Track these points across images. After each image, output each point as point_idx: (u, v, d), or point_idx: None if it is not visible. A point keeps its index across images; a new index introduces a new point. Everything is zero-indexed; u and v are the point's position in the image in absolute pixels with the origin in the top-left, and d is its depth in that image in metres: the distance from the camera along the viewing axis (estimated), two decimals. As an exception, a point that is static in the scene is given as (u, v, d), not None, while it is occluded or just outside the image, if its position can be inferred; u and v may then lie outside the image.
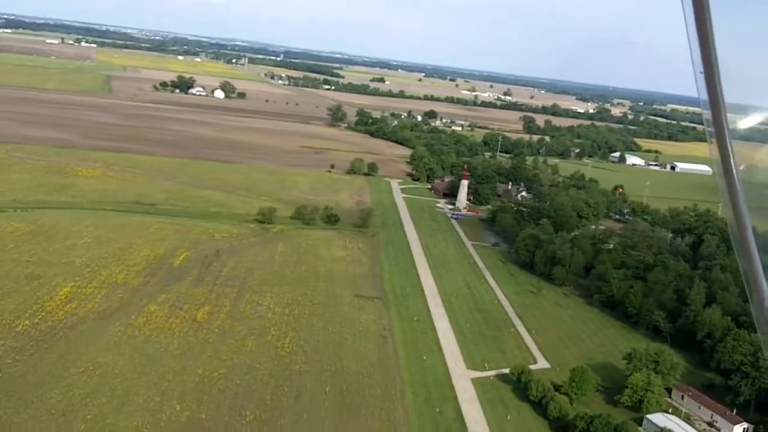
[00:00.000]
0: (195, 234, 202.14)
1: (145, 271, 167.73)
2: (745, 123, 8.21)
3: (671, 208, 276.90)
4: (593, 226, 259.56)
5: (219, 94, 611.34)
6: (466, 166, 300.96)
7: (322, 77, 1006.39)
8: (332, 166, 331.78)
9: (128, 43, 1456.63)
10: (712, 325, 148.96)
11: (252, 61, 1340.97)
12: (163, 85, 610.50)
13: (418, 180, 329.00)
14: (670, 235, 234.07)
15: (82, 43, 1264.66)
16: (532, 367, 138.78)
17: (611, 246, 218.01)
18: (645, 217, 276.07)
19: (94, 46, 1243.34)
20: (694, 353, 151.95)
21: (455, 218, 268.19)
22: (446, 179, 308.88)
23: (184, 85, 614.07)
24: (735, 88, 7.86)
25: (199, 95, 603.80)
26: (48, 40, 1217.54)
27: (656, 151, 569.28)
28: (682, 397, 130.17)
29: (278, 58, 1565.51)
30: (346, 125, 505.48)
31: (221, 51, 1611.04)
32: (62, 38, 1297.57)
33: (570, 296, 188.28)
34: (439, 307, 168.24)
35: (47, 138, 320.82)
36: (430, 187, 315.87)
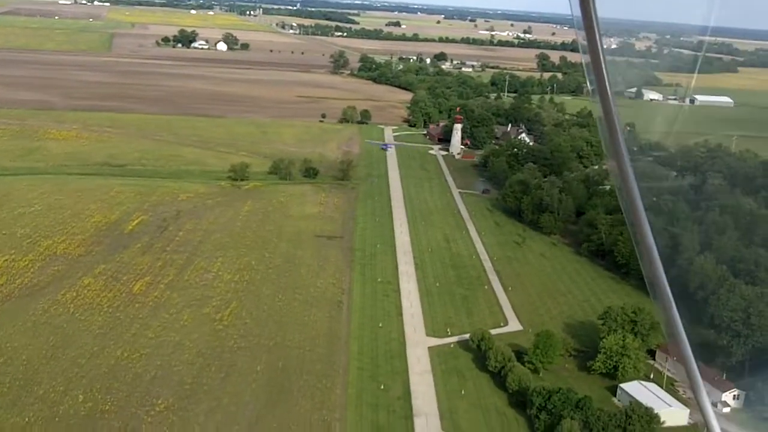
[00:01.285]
0: (158, 195, 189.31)
1: (91, 239, 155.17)
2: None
3: (679, 144, 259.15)
4: (596, 167, 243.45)
5: (221, 46, 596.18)
6: (458, 109, 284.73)
7: (334, 24, 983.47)
8: (323, 116, 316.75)
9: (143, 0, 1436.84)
10: (705, 275, 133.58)
11: (267, 11, 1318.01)
12: (165, 40, 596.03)
13: (414, 126, 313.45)
14: (674, 174, 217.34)
15: (95, 2, 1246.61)
16: (501, 329, 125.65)
17: (608, 188, 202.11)
18: (650, 155, 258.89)
19: (107, 4, 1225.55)
20: (687, 308, 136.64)
21: (384, 149, 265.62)
22: (442, 124, 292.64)
23: (186, 39, 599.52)
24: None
25: (202, 49, 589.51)
26: (60, 1, 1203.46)
27: (677, 84, 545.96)
28: (666, 360, 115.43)
29: (294, 8, 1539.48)
30: (349, 72, 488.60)
31: (236, 3, 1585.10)
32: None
33: (558, 246, 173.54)
34: (409, 265, 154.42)
35: (28, 100, 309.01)
36: (425, 132, 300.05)
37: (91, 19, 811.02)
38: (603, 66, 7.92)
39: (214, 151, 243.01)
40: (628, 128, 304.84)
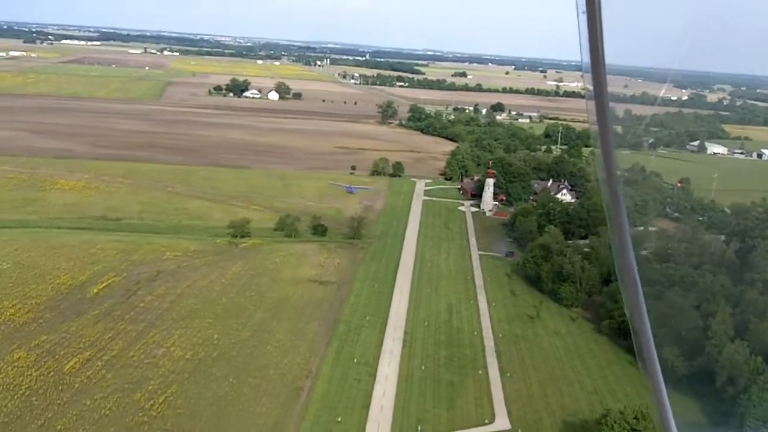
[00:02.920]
0: (142, 253, 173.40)
1: (46, 304, 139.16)
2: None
3: (735, 204, 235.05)
4: (641, 229, 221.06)
5: (273, 95, 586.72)
6: (490, 162, 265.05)
7: (396, 75, 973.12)
8: (353, 168, 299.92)
9: (215, 50, 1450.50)
10: (734, 368, 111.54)
11: (334, 62, 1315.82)
12: (218, 89, 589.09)
13: (450, 179, 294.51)
14: (722, 238, 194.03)
15: (165, 53, 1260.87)
16: (484, 429, 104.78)
17: (643, 253, 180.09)
18: (703, 216, 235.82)
19: (176, 54, 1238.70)
20: (716, 404, 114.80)
21: (350, 192, 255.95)
22: (476, 178, 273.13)
23: (237, 88, 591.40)
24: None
25: (253, 98, 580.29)
26: (131, 51, 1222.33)
27: (745, 138, 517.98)
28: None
29: (363, 58, 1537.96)
30: (398, 123, 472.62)
31: (307, 54, 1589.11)
32: (145, 48, 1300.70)
33: (577, 321, 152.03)
34: (397, 342, 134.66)
35: (52, 148, 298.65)
36: (459, 187, 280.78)
37: (147, 68, 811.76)
38: (606, 110, 8.21)
39: (225, 205, 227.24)
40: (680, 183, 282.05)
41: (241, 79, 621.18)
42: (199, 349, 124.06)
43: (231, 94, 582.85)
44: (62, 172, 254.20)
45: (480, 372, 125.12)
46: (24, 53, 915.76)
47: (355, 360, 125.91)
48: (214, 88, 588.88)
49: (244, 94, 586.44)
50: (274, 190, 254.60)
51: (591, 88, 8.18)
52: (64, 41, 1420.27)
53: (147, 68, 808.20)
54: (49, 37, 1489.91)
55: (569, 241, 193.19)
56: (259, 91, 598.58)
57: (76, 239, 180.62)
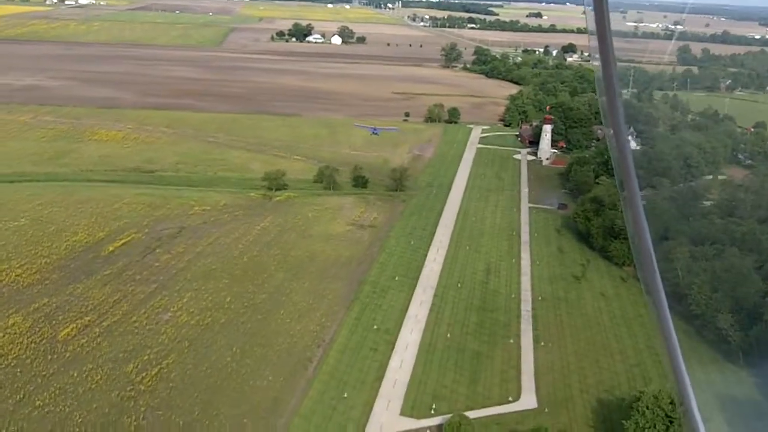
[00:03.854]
0: (169, 208, 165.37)
1: (56, 263, 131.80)
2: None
3: None
4: (707, 178, 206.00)
5: (336, 40, 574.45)
6: (548, 107, 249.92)
7: (467, 16, 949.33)
8: (407, 114, 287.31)
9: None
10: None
11: (407, 4, 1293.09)
12: (280, 34, 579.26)
13: (509, 125, 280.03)
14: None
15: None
16: (507, 407, 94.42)
17: (708, 204, 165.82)
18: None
19: (246, 0, 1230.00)
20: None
21: (374, 133, 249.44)
22: (534, 124, 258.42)
23: (300, 33, 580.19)
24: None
25: (316, 42, 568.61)
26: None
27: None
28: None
29: (436, 0, 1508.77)
30: (462, 66, 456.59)
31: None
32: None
33: (627, 282, 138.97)
34: (424, 306, 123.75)
35: (99, 97, 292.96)
36: (517, 134, 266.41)
37: (211, 14, 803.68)
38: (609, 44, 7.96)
39: (266, 155, 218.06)
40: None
41: (304, 23, 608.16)
42: (207, 314, 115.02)
43: (294, 40, 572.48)
44: (105, 122, 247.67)
45: (511, 341, 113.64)
46: (93, 1, 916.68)
47: (375, 326, 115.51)
48: (277, 34, 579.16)
49: (307, 39, 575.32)
50: (320, 138, 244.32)
51: (594, 25, 7.80)
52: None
53: (211, 14, 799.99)
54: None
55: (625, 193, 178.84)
56: (323, 35, 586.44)
57: (104, 193, 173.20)
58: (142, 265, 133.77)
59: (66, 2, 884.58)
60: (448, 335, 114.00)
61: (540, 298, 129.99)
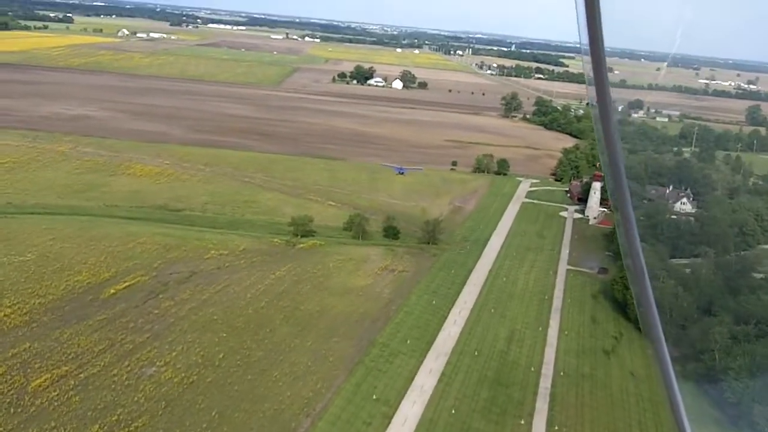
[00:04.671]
0: (185, 250, 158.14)
1: (51, 304, 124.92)
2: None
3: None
4: (765, 247, 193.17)
5: (397, 84, 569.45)
6: (597, 164, 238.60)
7: (535, 66, 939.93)
8: (454, 164, 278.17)
9: (357, 37, 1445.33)
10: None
11: (477, 52, 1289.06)
12: (342, 76, 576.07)
13: (560, 180, 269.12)
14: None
15: (306, 39, 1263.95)
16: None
17: (760, 278, 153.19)
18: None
19: (317, 41, 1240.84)
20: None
21: (400, 173, 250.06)
22: (585, 180, 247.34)
23: (362, 75, 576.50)
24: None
25: (377, 86, 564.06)
26: (273, 36, 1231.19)
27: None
28: None
29: (508, 49, 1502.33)
30: (521, 116, 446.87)
31: (451, 43, 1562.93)
32: (287, 34, 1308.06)
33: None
34: (433, 376, 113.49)
35: (146, 131, 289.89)
36: (567, 189, 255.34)
37: (275, 53, 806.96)
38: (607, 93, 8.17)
39: (300, 199, 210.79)
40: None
41: (367, 66, 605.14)
42: (194, 371, 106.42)
43: (355, 82, 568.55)
44: (144, 156, 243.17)
45: (522, 422, 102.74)
46: (165, 35, 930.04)
47: (375, 396, 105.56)
48: (339, 75, 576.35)
49: (368, 81, 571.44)
50: (360, 184, 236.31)
51: (591, 71, 7.95)
52: (210, 25, 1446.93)
53: (275, 53, 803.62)
54: (198, 20, 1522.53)
55: (675, 259, 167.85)
56: (384, 79, 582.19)
57: (121, 230, 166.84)
58: (140, 311, 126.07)
59: (138, 35, 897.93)
60: (453, 411, 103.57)
61: (562, 373, 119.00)
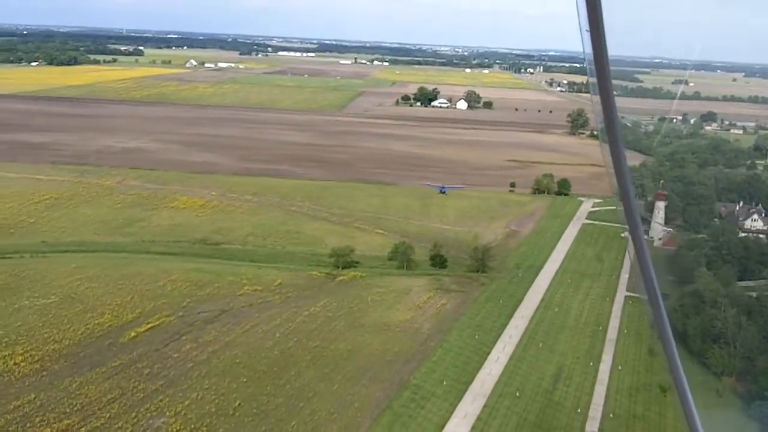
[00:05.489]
0: (217, 287, 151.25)
1: (68, 350, 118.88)
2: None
3: None
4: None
5: (461, 104, 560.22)
6: (661, 182, 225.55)
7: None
8: (512, 185, 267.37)
9: (427, 59, 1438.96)
10: None
11: (549, 69, 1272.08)
12: (405, 98, 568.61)
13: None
14: None
15: (374, 62, 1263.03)
16: None
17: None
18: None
19: (385, 64, 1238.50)
20: None
21: (442, 192, 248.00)
22: (650, 199, 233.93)
23: (425, 97, 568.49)
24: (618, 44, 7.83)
25: (441, 107, 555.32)
26: (341, 61, 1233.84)
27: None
28: None
29: (580, 65, 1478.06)
30: (589, 133, 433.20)
31: (522, 62, 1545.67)
32: (355, 58, 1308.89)
33: (724, 397, 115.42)
34: (466, 421, 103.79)
35: (196, 162, 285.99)
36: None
37: (338, 77, 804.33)
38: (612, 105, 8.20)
39: (346, 227, 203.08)
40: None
41: (431, 87, 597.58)
42: (204, 422, 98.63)
43: (418, 104, 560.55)
44: (190, 188, 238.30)
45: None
46: (233, 64, 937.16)
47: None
48: (402, 98, 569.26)
49: (432, 103, 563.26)
50: (411, 210, 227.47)
51: (595, 80, 8.03)
52: (280, 53, 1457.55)
53: (338, 77, 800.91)
54: (268, 48, 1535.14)
55: (743, 282, 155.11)
56: (449, 100, 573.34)
57: (154, 267, 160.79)
58: (158, 355, 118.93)
59: (206, 65, 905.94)
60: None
61: (612, 414, 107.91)
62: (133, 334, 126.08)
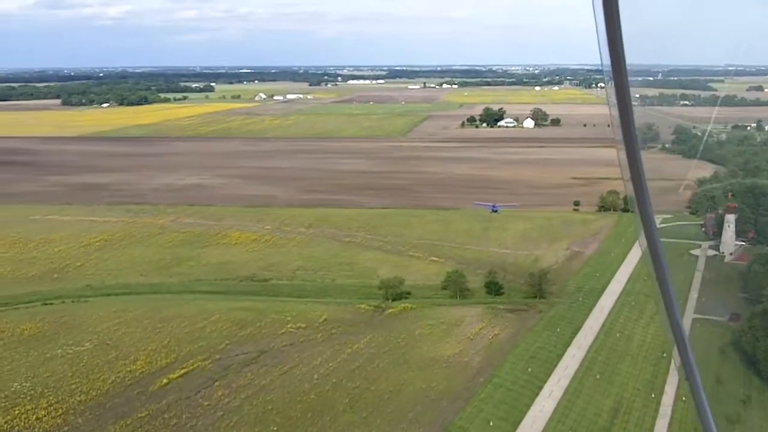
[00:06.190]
0: (259, 326, 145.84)
1: (95, 401, 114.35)
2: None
3: None
4: None
5: (528, 123, 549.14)
6: (729, 195, 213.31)
7: (680, 92, 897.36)
8: (576, 204, 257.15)
9: (497, 80, 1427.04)
10: None
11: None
12: (471, 120, 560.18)
13: (695, 213, 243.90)
14: None
15: (443, 86, 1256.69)
16: None
17: None
18: None
19: (455, 87, 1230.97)
20: None
21: (494, 211, 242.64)
22: (720, 212, 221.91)
23: (491, 117, 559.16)
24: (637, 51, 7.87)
25: (507, 127, 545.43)
26: (410, 87, 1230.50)
27: None
28: None
29: (653, 78, 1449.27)
30: (660, 146, 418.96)
31: (593, 77, 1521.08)
32: (424, 83, 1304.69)
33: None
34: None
35: (254, 195, 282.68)
36: (701, 223, 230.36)
37: (403, 102, 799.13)
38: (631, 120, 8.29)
39: (401, 256, 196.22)
40: None
41: (497, 107, 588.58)
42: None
43: (484, 125, 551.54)
44: (245, 223, 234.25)
45: None
46: (301, 95, 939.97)
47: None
48: (468, 120, 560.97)
49: (498, 123, 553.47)
50: (470, 235, 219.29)
51: (613, 93, 8.04)
52: (350, 81, 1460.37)
53: (403, 102, 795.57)
54: (338, 78, 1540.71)
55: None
56: (516, 119, 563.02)
57: (197, 308, 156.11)
58: (188, 403, 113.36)
59: (275, 97, 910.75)
60: None
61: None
62: (164, 381, 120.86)
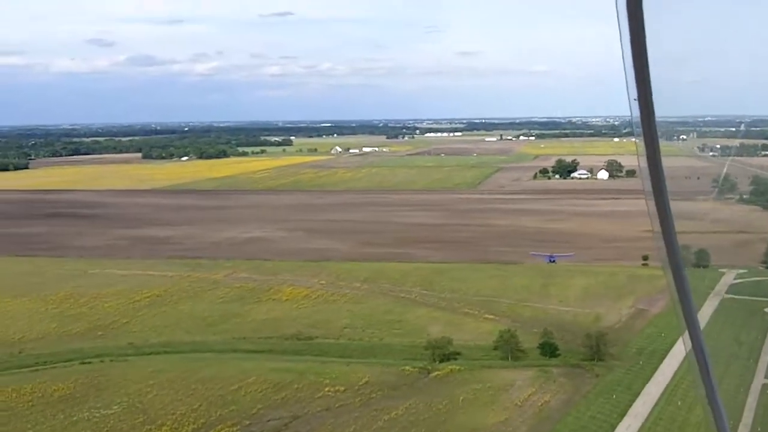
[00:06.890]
0: (296, 389, 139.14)
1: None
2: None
3: None
4: None
5: (603, 174, 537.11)
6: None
7: (761, 143, 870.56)
8: (645, 258, 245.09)
9: (576, 131, 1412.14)
10: None
11: (702, 135, 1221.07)
12: (543, 172, 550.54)
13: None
14: None
15: (520, 138, 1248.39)
16: None
17: None
18: None
19: (532, 138, 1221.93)
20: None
21: (551, 261, 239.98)
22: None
23: (564, 169, 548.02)
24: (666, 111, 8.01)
25: (580, 179, 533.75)
26: (487, 139, 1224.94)
27: None
28: None
29: (735, 129, 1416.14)
30: (737, 197, 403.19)
31: (676, 129, 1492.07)
32: (500, 135, 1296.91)
33: None
34: None
35: (314, 249, 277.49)
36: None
37: (475, 154, 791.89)
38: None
39: (454, 314, 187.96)
40: None
41: (559, 159, 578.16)
42: None
43: (557, 176, 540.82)
44: (299, 278, 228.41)
45: None
46: (377, 148, 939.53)
47: None
48: (540, 171, 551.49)
49: (571, 174, 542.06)
50: (529, 291, 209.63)
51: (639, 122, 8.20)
52: (427, 134, 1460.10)
53: (475, 155, 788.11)
54: (416, 131, 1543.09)
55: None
56: (590, 171, 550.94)
57: (236, 368, 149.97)
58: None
59: (351, 150, 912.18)
60: None
61: None
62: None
